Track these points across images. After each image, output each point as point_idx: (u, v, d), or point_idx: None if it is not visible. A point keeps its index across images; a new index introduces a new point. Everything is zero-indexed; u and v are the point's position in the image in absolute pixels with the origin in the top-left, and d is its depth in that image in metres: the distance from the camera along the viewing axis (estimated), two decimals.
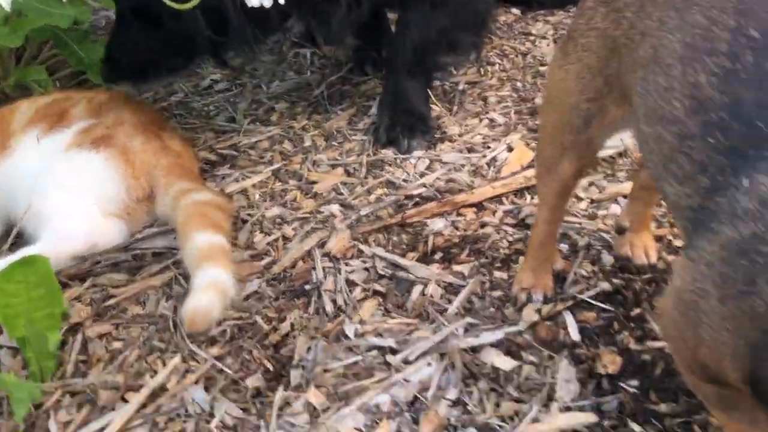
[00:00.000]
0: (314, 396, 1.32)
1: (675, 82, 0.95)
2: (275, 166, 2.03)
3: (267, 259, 1.70)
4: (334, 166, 2.01)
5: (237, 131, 2.24)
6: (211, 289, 1.50)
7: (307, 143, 2.14)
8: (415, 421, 1.25)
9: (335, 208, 1.83)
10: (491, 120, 2.11)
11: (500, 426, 1.22)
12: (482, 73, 2.37)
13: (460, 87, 2.31)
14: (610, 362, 1.28)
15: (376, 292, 1.56)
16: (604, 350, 1.32)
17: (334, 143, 2.13)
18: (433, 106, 2.17)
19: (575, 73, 1.19)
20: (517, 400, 1.26)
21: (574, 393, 1.25)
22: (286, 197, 1.91)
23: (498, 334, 1.38)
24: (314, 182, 1.96)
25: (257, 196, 1.93)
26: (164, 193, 1.80)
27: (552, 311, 1.42)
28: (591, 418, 1.20)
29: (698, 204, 0.89)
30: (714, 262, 0.84)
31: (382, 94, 2.16)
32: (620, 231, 1.53)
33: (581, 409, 1.22)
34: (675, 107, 0.94)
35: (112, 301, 1.63)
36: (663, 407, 1.19)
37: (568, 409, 1.22)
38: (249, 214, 1.85)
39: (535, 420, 1.21)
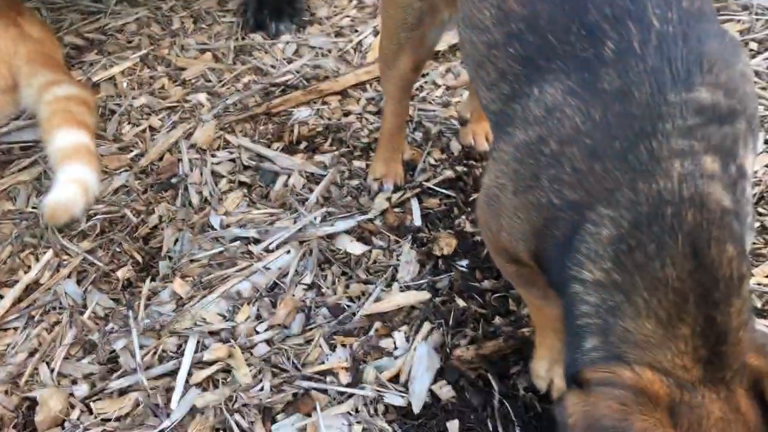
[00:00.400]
0: (180, 285, 1.43)
1: None
2: (143, 51, 2.02)
3: (135, 152, 1.74)
4: (202, 51, 2.02)
5: (104, 13, 2.18)
6: (73, 184, 1.53)
7: (176, 25, 2.13)
8: (274, 305, 1.39)
9: (202, 97, 1.87)
10: (360, 1, 2.14)
11: (348, 306, 1.37)
12: None
13: None
14: (446, 245, 1.44)
15: (241, 183, 1.65)
16: (443, 233, 1.47)
17: (203, 25, 2.12)
18: None
19: None
20: (365, 282, 1.41)
21: (413, 273, 1.41)
22: (154, 85, 1.93)
23: (351, 222, 1.51)
24: (182, 68, 1.98)
25: (125, 84, 1.94)
26: (27, 84, 1.78)
27: (401, 199, 1.55)
28: (425, 295, 1.36)
29: (500, 109, 1.00)
30: (510, 161, 0.96)
31: None
32: (463, 122, 1.65)
33: (418, 287, 1.38)
34: (485, 16, 1.03)
35: None
36: (486, 284, 1.36)
37: (407, 288, 1.38)
38: (117, 104, 1.87)
39: (378, 299, 1.37)
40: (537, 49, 0.94)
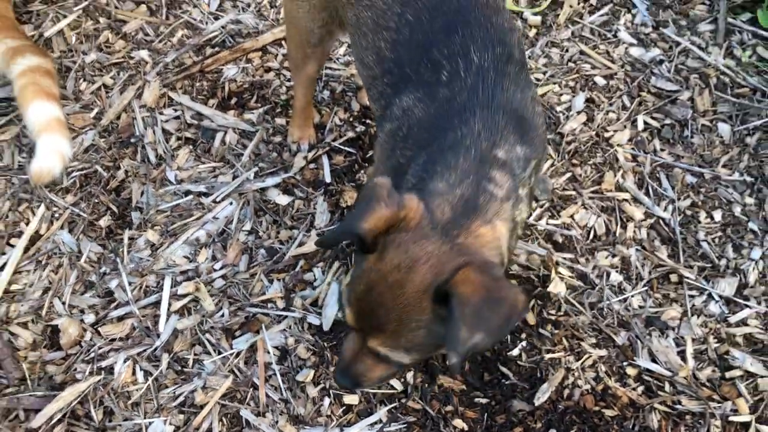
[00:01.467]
0: (152, 235, 1.91)
1: (369, 44, 1.48)
2: (85, 2, 2.32)
3: (95, 110, 2.13)
4: (137, 3, 2.34)
5: None
6: (51, 152, 1.93)
7: None
8: (225, 248, 1.90)
9: (144, 53, 2.23)
10: None
11: (280, 248, 1.90)
12: None
13: None
14: (349, 197, 1.95)
15: (187, 139, 2.08)
16: (347, 187, 1.98)
17: None
18: None
19: (305, 9, 1.65)
20: (291, 228, 1.93)
21: (326, 221, 1.93)
22: (100, 38, 2.26)
23: (278, 178, 1.99)
24: (122, 21, 2.30)
25: (74, 39, 2.26)
26: None
27: (314, 156, 2.03)
28: None
29: (380, 114, 1.49)
30: (383, 143, 1.45)
31: None
32: (359, 87, 2.10)
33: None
34: (370, 60, 1.48)
35: None
36: None
37: (322, 233, 1.91)
38: (72, 61, 2.21)
39: (301, 243, 1.89)
40: (400, 78, 1.42)
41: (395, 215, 1.15)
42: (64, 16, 2.30)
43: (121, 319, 1.81)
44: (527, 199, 1.32)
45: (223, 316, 1.80)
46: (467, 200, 1.21)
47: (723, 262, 1.86)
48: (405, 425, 1.66)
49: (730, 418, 1.66)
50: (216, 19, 2.30)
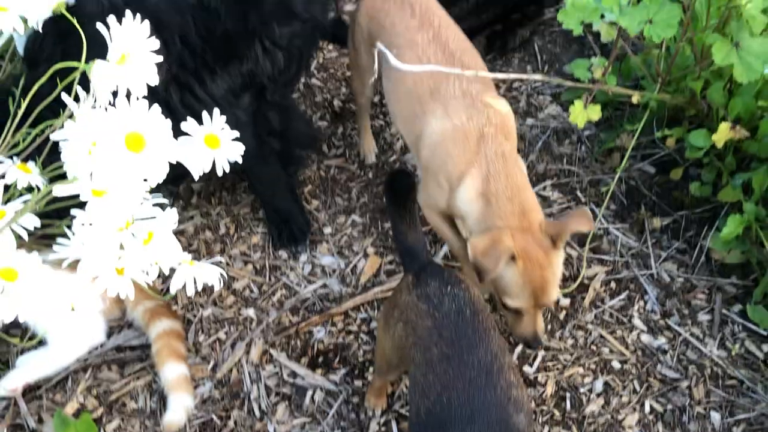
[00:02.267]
0: None
1: (414, 400, 1.96)
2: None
3: (211, 362, 2.67)
4: (246, 263, 2.90)
5: None
6: (180, 408, 2.47)
7: (222, 230, 2.98)
8: None
9: (251, 312, 2.78)
10: (353, 221, 3.03)
11: None
12: (347, 157, 3.21)
13: (331, 172, 3.16)
14: None
15: (284, 395, 2.61)
16: None
17: (243, 233, 2.98)
18: (313, 201, 3.04)
19: (390, 344, 2.19)
20: None
21: None
22: (214, 294, 2.82)
23: None
24: (233, 277, 2.86)
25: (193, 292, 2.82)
26: (131, 307, 2.66)
27: (385, 420, 2.55)
28: None
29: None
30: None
31: (263, 211, 2.99)
32: None
33: None
34: (413, 409, 1.97)
35: (113, 396, 2.58)
36: None
37: None
38: (193, 315, 2.77)
39: None
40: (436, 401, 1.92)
41: None
42: None
43: None
44: None
45: None
46: None
47: None
48: None
49: None
50: (309, 282, 2.86)
